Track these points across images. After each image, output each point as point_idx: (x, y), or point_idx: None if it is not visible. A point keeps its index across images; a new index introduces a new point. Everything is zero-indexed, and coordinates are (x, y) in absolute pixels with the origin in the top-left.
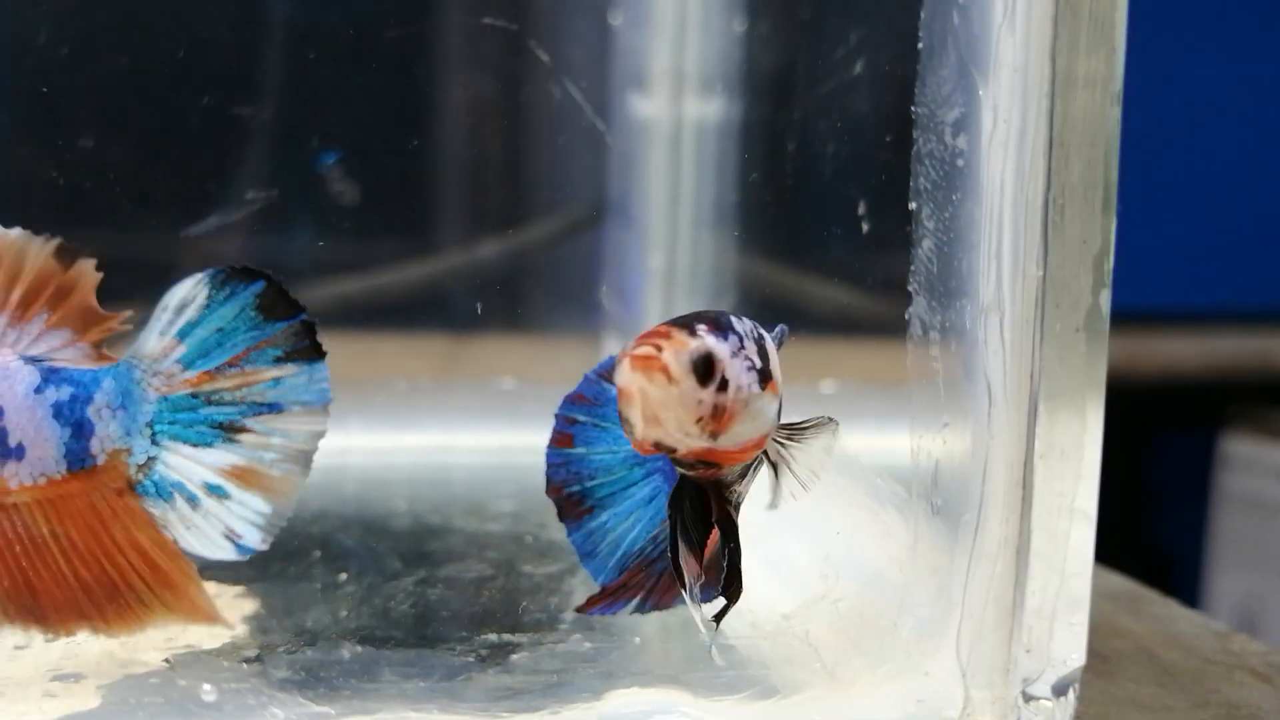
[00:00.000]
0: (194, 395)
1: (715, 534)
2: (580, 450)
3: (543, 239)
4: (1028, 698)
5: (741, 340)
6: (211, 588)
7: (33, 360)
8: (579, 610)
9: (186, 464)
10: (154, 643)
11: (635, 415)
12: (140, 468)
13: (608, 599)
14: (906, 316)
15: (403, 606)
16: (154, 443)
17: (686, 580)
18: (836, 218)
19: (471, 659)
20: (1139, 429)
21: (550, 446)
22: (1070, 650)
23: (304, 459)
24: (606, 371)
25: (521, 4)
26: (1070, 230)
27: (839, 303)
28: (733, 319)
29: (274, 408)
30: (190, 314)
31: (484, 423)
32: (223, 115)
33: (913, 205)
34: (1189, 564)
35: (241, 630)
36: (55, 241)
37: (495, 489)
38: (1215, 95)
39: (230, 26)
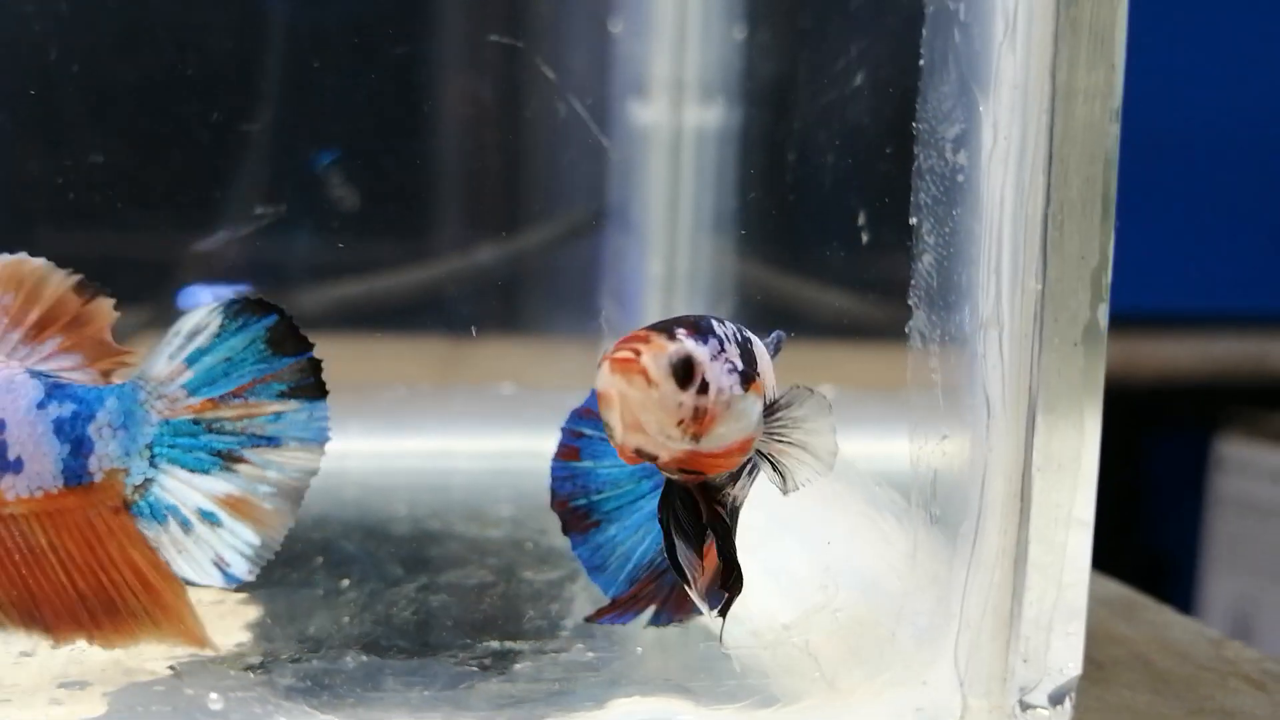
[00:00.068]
0: (196, 421)
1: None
2: (587, 464)
3: (543, 244)
4: (1024, 706)
5: (722, 343)
6: (214, 594)
7: (39, 375)
8: (588, 620)
9: (183, 488)
10: (159, 650)
11: (615, 419)
12: (137, 488)
13: (617, 610)
14: (907, 329)
15: (405, 613)
16: (152, 464)
17: (690, 576)
18: (835, 226)
19: (474, 667)
20: (1134, 431)
21: (556, 460)
22: (1067, 659)
23: (296, 495)
24: None
25: (523, 12)
26: (1069, 245)
27: (837, 308)
28: (714, 323)
29: (272, 441)
30: (201, 341)
31: (483, 428)
32: (232, 128)
33: (913, 220)
34: (1184, 566)
35: (245, 637)
36: (76, 276)
37: (494, 494)
38: (1211, 98)
39: (237, 41)
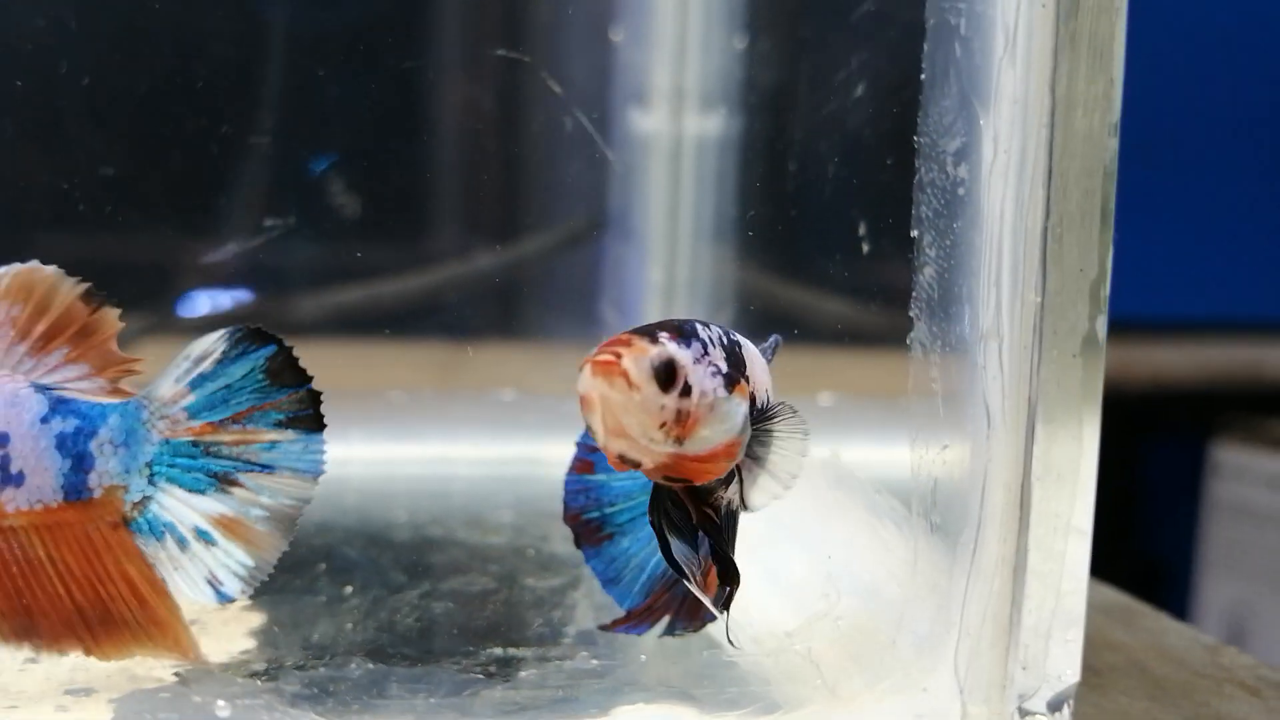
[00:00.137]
0: (195, 443)
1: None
2: (600, 477)
3: (544, 251)
4: (1024, 713)
5: (706, 346)
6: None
7: (43, 389)
8: (603, 629)
9: (180, 507)
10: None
11: (597, 422)
12: (135, 505)
13: (632, 621)
14: (908, 340)
15: (408, 620)
16: (150, 482)
17: (688, 572)
18: (835, 235)
19: (478, 674)
20: (1130, 437)
21: (570, 473)
22: (1065, 666)
23: (288, 522)
24: None
25: (524, 22)
26: (1068, 258)
27: (838, 315)
28: (698, 326)
29: (267, 468)
30: (205, 366)
31: (483, 434)
32: (240, 141)
33: (914, 232)
34: (1179, 571)
35: (250, 644)
36: (84, 285)
37: (495, 500)
38: (1207, 104)
39: (243, 52)
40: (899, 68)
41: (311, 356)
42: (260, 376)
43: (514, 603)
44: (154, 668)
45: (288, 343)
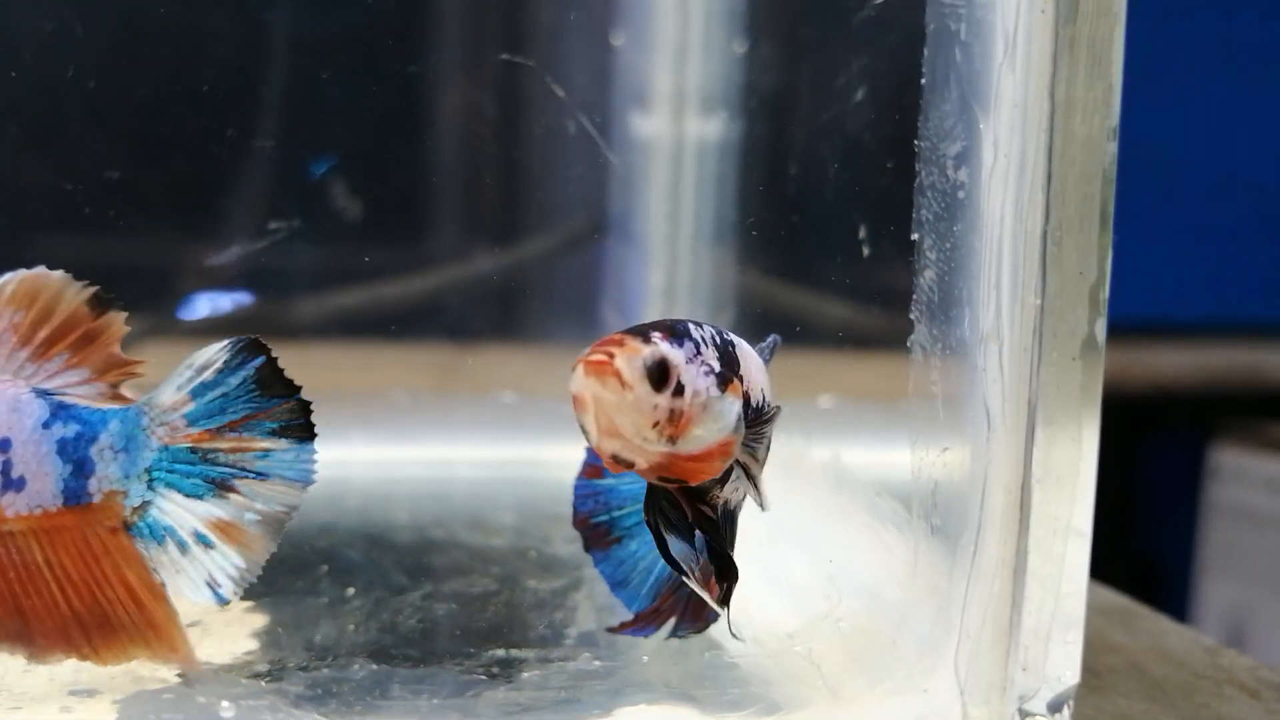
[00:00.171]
0: (193, 450)
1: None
2: (609, 481)
3: (545, 253)
4: (1024, 714)
5: (699, 346)
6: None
7: (44, 394)
8: (610, 631)
9: (179, 512)
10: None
11: (590, 422)
12: (134, 510)
13: (640, 623)
14: (909, 343)
15: (410, 621)
16: (150, 488)
17: (687, 569)
18: (836, 238)
19: (480, 675)
20: (1130, 439)
21: (579, 478)
22: (1065, 668)
23: (277, 526)
24: None
25: (527, 25)
26: (1067, 262)
27: (838, 318)
28: (690, 326)
29: (260, 475)
30: (206, 375)
31: (484, 436)
32: (244, 143)
33: (915, 236)
34: (1178, 573)
35: (254, 645)
36: (91, 290)
37: (496, 502)
38: (1206, 108)
39: (246, 55)
40: (899, 72)
41: (313, 358)
42: (252, 387)
43: (516, 604)
44: (158, 669)
45: (275, 354)
